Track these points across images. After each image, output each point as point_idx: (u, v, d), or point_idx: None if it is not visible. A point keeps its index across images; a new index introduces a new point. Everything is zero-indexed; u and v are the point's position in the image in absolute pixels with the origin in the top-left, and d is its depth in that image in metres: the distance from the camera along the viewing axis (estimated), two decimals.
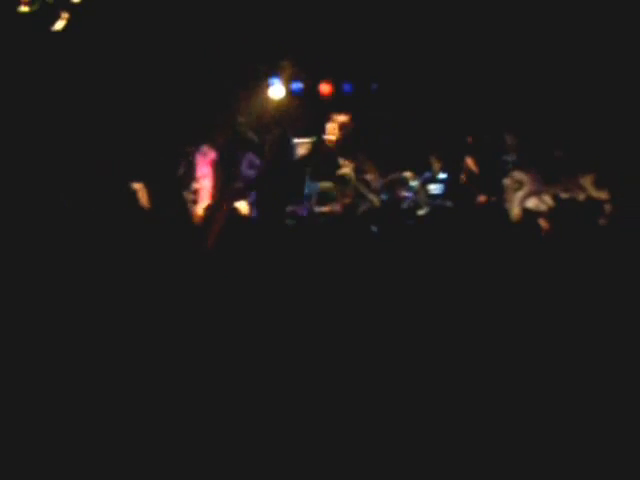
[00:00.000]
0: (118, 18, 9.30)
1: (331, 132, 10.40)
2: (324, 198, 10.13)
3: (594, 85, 9.56)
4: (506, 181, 9.87)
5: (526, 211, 8.81)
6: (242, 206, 9.23)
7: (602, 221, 9.04)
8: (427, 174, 10.84)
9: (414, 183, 10.64)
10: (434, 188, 10.40)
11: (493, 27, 9.60)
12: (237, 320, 3.76)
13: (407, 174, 10.68)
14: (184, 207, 8.91)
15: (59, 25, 8.56)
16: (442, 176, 10.72)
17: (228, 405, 3.37)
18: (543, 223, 6.44)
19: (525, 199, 10.35)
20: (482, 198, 9.48)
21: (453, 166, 10.71)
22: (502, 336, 3.51)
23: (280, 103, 11.38)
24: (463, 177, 10.16)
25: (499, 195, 9.65)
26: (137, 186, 7.66)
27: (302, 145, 11.67)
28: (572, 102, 10.08)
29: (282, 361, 3.55)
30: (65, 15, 8.65)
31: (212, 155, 10.75)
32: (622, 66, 8.95)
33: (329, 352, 3.53)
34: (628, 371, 3.43)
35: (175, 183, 9.84)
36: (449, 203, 9.71)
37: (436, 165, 10.92)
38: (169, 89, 10.16)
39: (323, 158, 10.53)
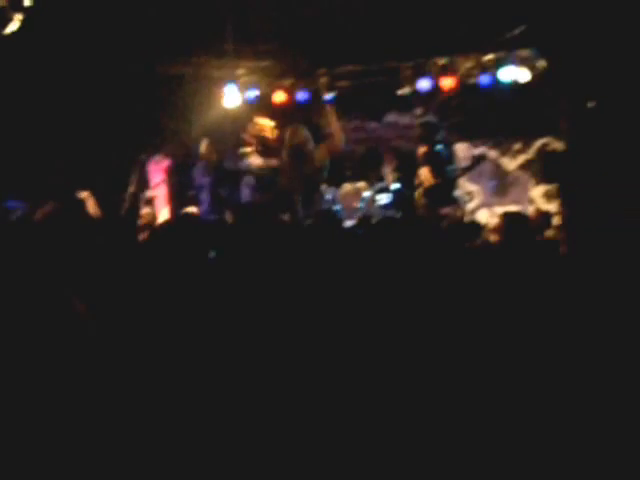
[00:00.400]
0: (71, 22, 9.22)
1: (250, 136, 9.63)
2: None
3: (543, 97, 9.76)
4: (457, 193, 10.03)
5: (477, 223, 8.94)
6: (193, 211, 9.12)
7: (550, 233, 9.24)
8: (380, 184, 10.92)
9: (367, 194, 10.70)
10: (381, 198, 10.39)
11: (442, 40, 9.76)
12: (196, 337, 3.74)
13: (360, 184, 10.75)
14: (137, 215, 8.84)
15: (11, 28, 8.45)
16: (395, 186, 10.80)
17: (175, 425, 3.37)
18: (493, 235, 6.55)
19: (476, 211, 10.55)
20: (434, 209, 9.56)
21: (406, 177, 10.81)
22: (448, 351, 3.55)
23: (235, 111, 11.37)
24: (420, 190, 10.24)
25: (451, 207, 9.77)
26: (84, 195, 7.55)
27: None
28: (523, 115, 10.28)
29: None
30: (18, 17, 8.54)
31: (166, 163, 10.72)
32: (570, 77, 9.13)
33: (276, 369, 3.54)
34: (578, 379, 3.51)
35: (128, 191, 9.77)
36: (399, 213, 9.75)
37: (389, 176, 11.02)
38: (122, 96, 10.10)
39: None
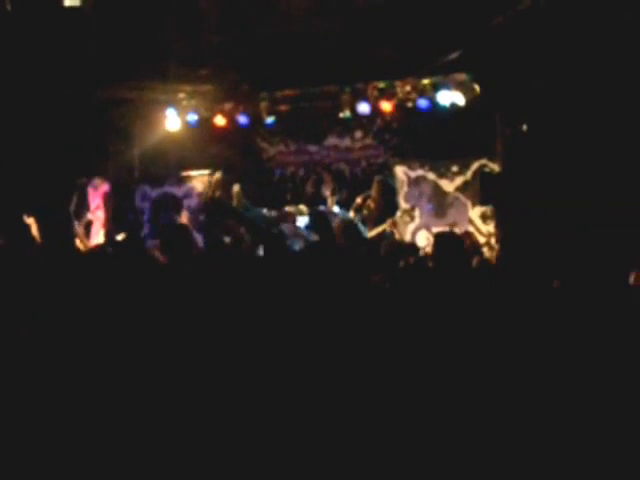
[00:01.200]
0: (14, 45, 9.13)
1: None
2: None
3: (479, 120, 9.98)
4: (397, 214, 10.16)
5: (413, 244, 9.07)
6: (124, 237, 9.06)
7: (488, 253, 9.42)
8: (322, 208, 11.00)
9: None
10: (301, 220, 10.39)
11: (380, 64, 9.91)
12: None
13: (301, 207, 10.81)
14: (76, 239, 8.75)
15: None
16: (336, 210, 10.89)
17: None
18: (429, 255, 6.65)
19: (416, 232, 10.67)
20: (375, 232, 9.66)
21: (346, 199, 10.93)
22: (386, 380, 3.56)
23: (176, 135, 11.34)
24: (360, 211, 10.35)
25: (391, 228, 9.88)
26: (29, 220, 7.57)
27: (198, 178, 11.68)
28: (460, 137, 10.47)
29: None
30: None
31: (105, 187, 10.64)
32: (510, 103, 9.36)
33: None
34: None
35: (68, 215, 9.67)
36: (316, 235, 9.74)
37: (330, 199, 11.12)
38: (64, 120, 10.01)
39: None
